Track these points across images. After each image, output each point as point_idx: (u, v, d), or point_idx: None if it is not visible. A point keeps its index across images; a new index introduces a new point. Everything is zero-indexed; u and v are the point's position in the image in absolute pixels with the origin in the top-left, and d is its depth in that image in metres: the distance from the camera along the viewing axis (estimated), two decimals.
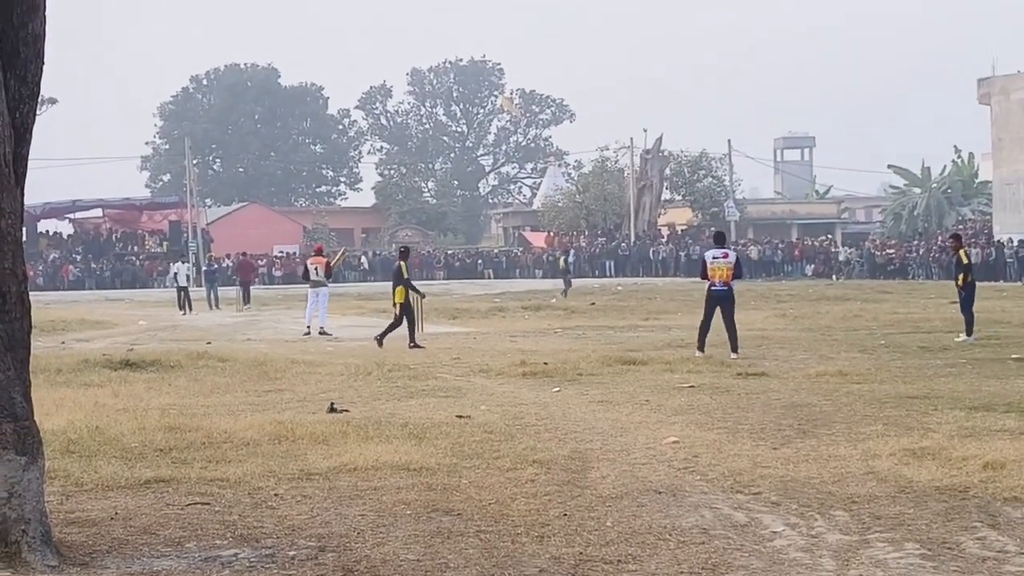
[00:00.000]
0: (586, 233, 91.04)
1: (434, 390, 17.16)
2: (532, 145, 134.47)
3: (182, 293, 45.83)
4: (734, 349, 21.62)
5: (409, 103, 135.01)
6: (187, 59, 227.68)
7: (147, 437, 12.51)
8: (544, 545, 8.25)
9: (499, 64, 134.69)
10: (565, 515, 9.05)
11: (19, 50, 7.73)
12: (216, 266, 52.63)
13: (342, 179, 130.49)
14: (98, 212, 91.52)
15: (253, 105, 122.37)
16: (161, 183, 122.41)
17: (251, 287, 51.21)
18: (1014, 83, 70.46)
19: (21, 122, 7.84)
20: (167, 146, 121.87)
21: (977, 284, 26.38)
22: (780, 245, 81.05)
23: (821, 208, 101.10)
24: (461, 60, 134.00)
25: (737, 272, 22.38)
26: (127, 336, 31.96)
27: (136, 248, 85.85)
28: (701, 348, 21.75)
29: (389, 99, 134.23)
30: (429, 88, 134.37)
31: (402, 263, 27.37)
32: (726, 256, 22.31)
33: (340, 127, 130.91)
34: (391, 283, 27.74)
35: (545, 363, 20.18)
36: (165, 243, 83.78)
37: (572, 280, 55.65)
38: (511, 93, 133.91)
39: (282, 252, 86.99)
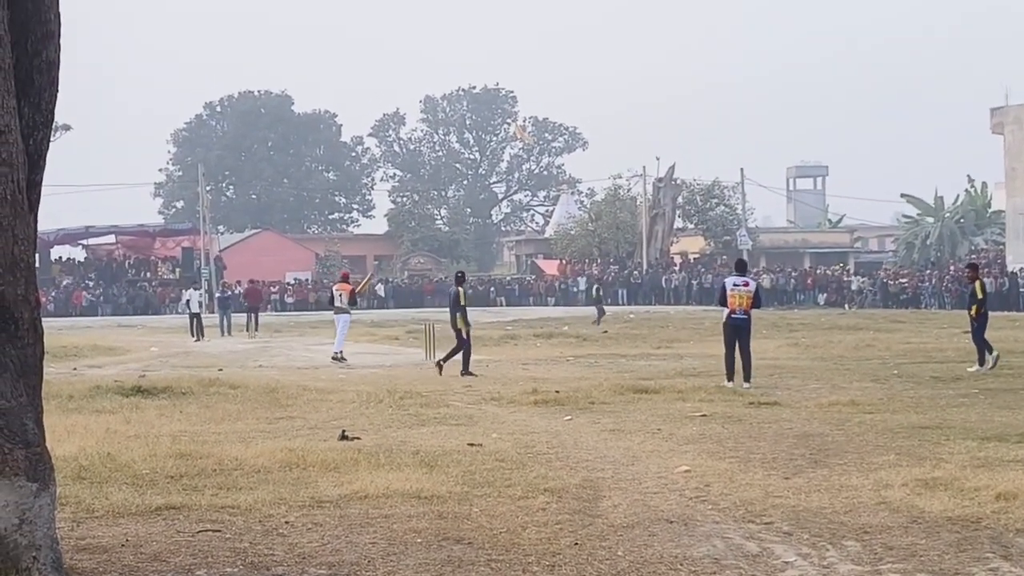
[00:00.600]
0: (599, 261, 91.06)
1: (445, 418, 17.16)
2: (545, 173, 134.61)
3: (195, 320, 45.91)
4: (747, 379, 21.56)
5: (422, 130, 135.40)
6: (201, 86, 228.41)
7: (158, 464, 12.51)
8: (555, 574, 8.24)
9: (512, 92, 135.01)
10: (576, 544, 9.03)
11: (33, 77, 7.75)
12: (230, 293, 52.73)
13: (355, 206, 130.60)
14: (111, 238, 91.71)
15: (266, 132, 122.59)
16: (174, 210, 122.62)
17: (260, 313, 51.46)
18: None
19: (35, 149, 7.85)
20: (180, 173, 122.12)
21: (990, 314, 26.30)
22: (793, 274, 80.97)
23: (834, 237, 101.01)
24: (474, 87, 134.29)
25: (756, 301, 22.23)
26: (139, 363, 32.00)
27: (149, 275, 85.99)
28: (731, 378, 21.63)
29: (402, 126, 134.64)
30: (442, 115, 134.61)
31: (460, 289, 27.21)
32: (747, 284, 22.20)
33: (353, 154, 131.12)
34: (448, 309, 27.33)
35: (557, 391, 20.17)
36: (178, 270, 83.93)
37: (605, 308, 55.90)
38: (524, 121, 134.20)
39: (294, 279, 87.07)
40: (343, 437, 14.65)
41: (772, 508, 10.24)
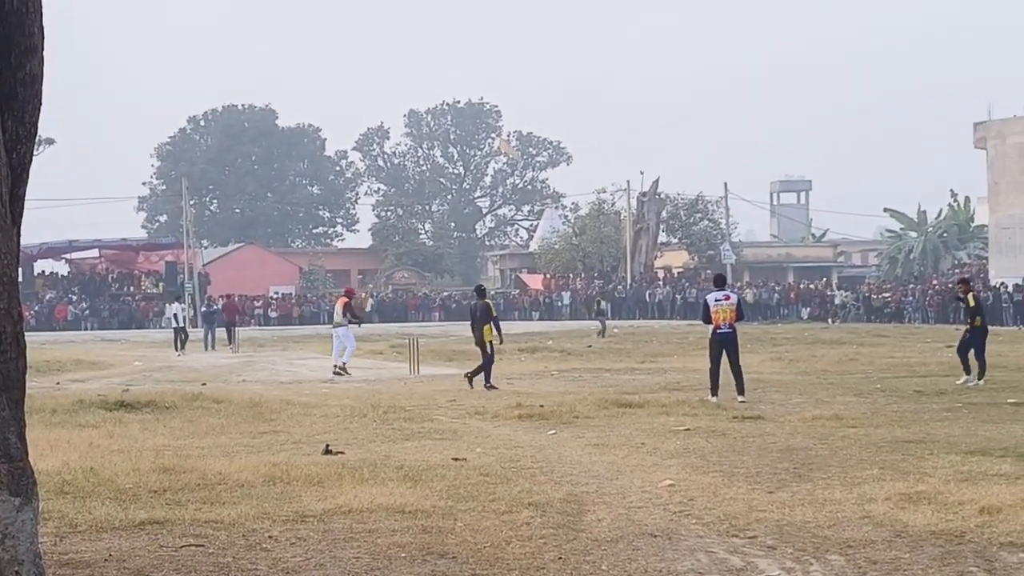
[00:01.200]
0: (583, 275, 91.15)
1: (430, 432, 17.14)
2: (529, 187, 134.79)
3: (179, 334, 45.95)
4: (741, 392, 21.56)
5: (406, 145, 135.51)
6: (185, 100, 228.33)
7: (141, 478, 12.48)
8: None
9: (496, 106, 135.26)
10: (560, 559, 9.02)
11: (16, 91, 7.74)
12: (215, 307, 52.73)
13: (339, 220, 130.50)
14: (94, 252, 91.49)
15: (250, 146, 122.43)
16: (158, 224, 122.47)
17: (238, 328, 51.98)
18: (1010, 127, 70.70)
19: (18, 162, 7.84)
20: (164, 187, 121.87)
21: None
22: (776, 288, 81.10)
23: (817, 251, 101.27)
24: (458, 102, 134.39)
25: (740, 313, 22.26)
26: (122, 377, 31.93)
27: (132, 289, 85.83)
28: (715, 393, 21.60)
29: (386, 140, 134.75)
30: (426, 130, 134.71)
31: (488, 302, 27.21)
32: (728, 298, 22.21)
33: (337, 168, 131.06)
34: (474, 322, 27.00)
35: (541, 406, 20.17)
36: (161, 284, 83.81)
37: (607, 322, 56.14)
38: (508, 135, 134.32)
39: (277, 293, 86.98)
40: (327, 451, 14.64)
41: (756, 522, 10.25)
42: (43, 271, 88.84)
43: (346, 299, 33.29)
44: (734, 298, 22.48)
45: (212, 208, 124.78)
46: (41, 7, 7.79)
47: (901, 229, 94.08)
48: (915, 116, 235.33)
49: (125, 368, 36.23)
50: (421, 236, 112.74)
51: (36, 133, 8.05)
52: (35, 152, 8.16)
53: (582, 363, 35.52)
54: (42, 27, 7.85)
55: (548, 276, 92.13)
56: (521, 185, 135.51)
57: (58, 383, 29.03)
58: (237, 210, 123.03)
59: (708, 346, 22.26)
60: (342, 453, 14.58)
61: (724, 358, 21.77)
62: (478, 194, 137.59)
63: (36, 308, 77.84)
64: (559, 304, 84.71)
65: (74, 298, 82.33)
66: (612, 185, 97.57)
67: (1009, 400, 20.86)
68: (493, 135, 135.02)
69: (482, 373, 25.90)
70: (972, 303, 25.65)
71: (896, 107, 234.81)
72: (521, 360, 37.74)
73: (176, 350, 44.74)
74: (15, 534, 7.49)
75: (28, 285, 77.07)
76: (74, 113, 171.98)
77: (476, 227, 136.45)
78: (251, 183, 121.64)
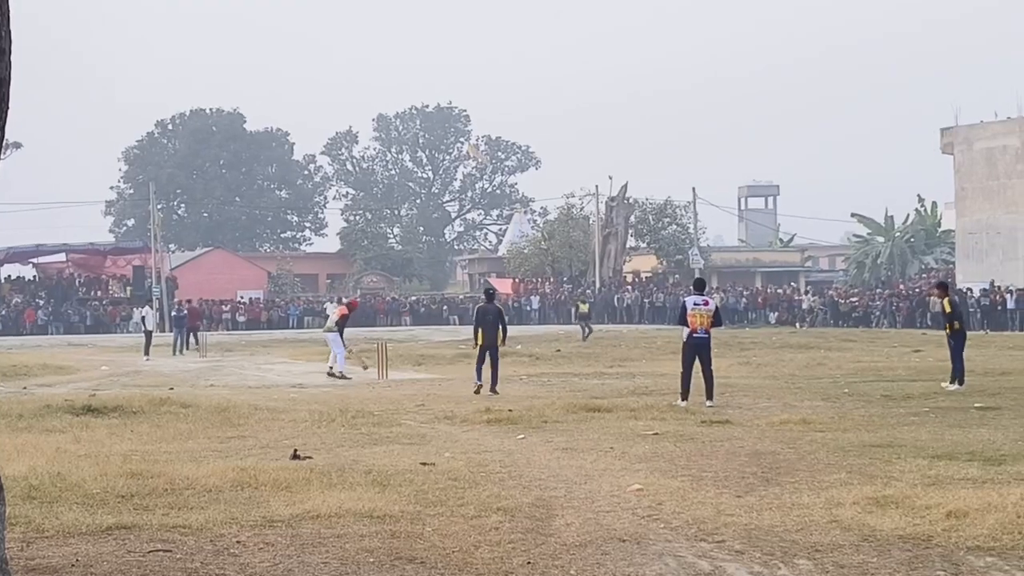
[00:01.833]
0: (552, 280, 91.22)
1: (398, 437, 17.11)
2: (498, 192, 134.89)
3: (149, 338, 45.96)
4: (710, 397, 21.55)
5: (375, 149, 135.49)
6: (153, 104, 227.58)
7: (109, 483, 12.43)
8: None
9: (465, 110, 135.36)
10: (529, 563, 9.02)
11: None
12: (185, 311, 52.65)
13: (307, 224, 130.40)
14: (62, 257, 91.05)
15: (218, 150, 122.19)
16: (125, 228, 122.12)
17: (201, 332, 52.69)
18: (977, 133, 71.04)
19: None
20: (132, 191, 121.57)
21: (942, 332, 26.35)
22: (744, 293, 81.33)
23: (785, 256, 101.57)
24: (427, 106, 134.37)
25: (717, 320, 22.18)
26: (89, 381, 31.81)
27: (99, 293, 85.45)
28: (685, 397, 21.62)
29: (355, 145, 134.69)
30: (395, 134, 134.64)
31: (499, 305, 27.11)
32: (707, 303, 22.12)
33: (306, 172, 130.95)
34: (487, 325, 26.40)
35: (510, 410, 20.17)
36: (129, 288, 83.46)
37: (591, 326, 56.23)
38: (477, 140, 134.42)
39: (246, 297, 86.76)
40: (295, 456, 14.60)
41: (724, 526, 10.26)
42: (9, 275, 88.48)
43: (346, 311, 33.72)
44: (712, 304, 22.34)
45: (180, 212, 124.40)
46: (9, 10, 7.75)
47: (868, 234, 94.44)
48: (882, 121, 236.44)
49: (92, 373, 36.10)
50: (390, 240, 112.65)
51: (3, 137, 8.01)
52: (2, 156, 8.12)
53: (551, 367, 35.53)
54: (10, 31, 7.80)
55: (517, 280, 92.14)
56: (490, 189, 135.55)
57: (25, 388, 28.91)
58: (205, 214, 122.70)
59: (681, 350, 22.22)
60: (310, 458, 14.55)
61: (697, 363, 21.81)
62: (447, 198, 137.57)
63: (3, 312, 77.53)
64: (528, 308, 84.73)
65: (41, 302, 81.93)
66: (581, 190, 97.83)
67: (976, 404, 20.95)
68: (462, 139, 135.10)
69: (496, 378, 25.86)
70: (948, 309, 25.69)
71: (863, 112, 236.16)
72: None
73: (145, 355, 44.62)
74: None
75: None
76: (42, 117, 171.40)
77: (445, 231, 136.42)
78: (219, 187, 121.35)
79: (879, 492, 11.57)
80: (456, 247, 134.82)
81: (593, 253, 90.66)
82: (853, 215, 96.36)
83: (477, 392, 25.35)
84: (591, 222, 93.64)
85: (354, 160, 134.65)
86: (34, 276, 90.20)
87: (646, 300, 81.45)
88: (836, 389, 25.19)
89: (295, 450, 14.99)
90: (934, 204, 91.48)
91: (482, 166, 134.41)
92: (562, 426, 18.31)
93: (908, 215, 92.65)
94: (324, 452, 15.33)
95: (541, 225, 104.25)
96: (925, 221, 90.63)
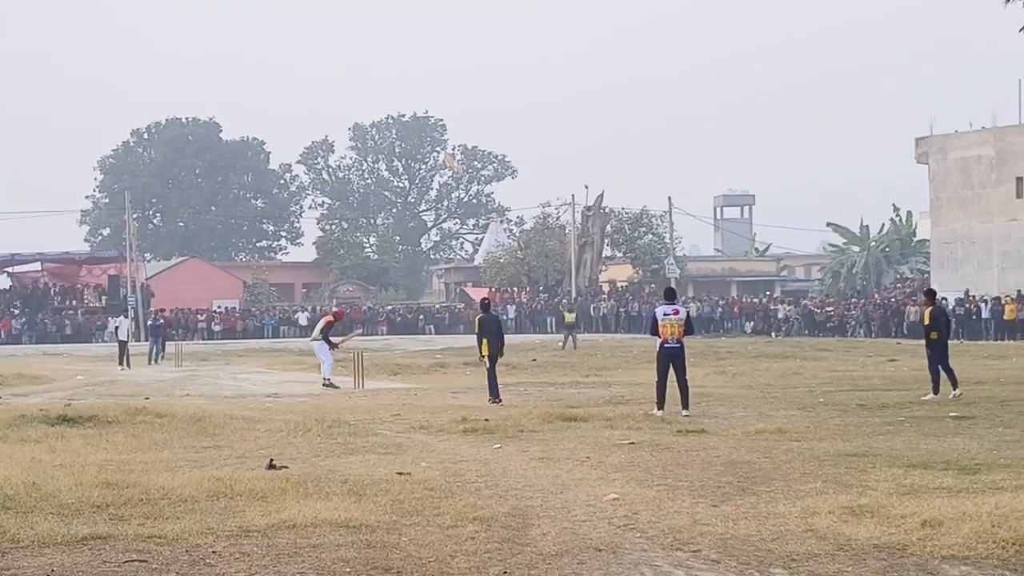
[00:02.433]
0: (528, 289, 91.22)
1: (374, 446, 17.11)
2: (474, 201, 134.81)
3: (124, 348, 45.75)
4: (685, 406, 21.56)
5: (351, 158, 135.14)
6: (128, 113, 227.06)
7: (84, 493, 12.40)
8: None
9: (441, 120, 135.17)
10: (505, 573, 9.03)
11: None
12: (161, 320, 52.54)
13: (283, 234, 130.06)
14: (37, 266, 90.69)
15: (194, 159, 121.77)
16: (100, 237, 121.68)
17: (169, 341, 53.37)
18: (951, 143, 71.22)
19: None
20: (107, 200, 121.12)
21: (917, 342, 26.39)
22: (720, 302, 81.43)
23: (761, 266, 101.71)
24: (403, 115, 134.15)
25: (688, 328, 22.16)
26: (64, 391, 31.70)
27: (75, 302, 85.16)
28: (661, 406, 21.60)
29: (331, 154, 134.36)
30: (371, 143, 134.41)
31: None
32: (677, 312, 22.07)
33: (281, 182, 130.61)
34: (491, 335, 26.28)
35: (486, 420, 20.15)
36: (104, 297, 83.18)
37: (577, 335, 56.22)
38: (453, 149, 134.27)
39: (222, 307, 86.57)
40: (271, 466, 14.58)
41: (700, 536, 10.28)
42: None
43: (331, 319, 34.15)
44: (683, 313, 22.33)
45: (155, 221, 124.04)
46: None
47: (844, 243, 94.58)
48: (857, 131, 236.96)
49: (67, 382, 36.00)
50: (366, 250, 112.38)
51: None
52: None
53: (527, 377, 35.55)
54: None
55: (493, 290, 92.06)
56: (466, 199, 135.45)
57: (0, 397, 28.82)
58: (180, 223, 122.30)
59: (655, 360, 22.23)
60: (286, 468, 14.54)
61: (671, 372, 21.81)
62: (423, 207, 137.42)
63: None
64: (504, 318, 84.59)
65: (16, 312, 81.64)
66: (557, 199, 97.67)
67: (951, 413, 21.01)
68: (438, 148, 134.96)
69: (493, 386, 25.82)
70: (927, 320, 25.67)
71: (839, 122, 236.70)
72: (467, 374, 37.72)
73: (120, 364, 44.45)
74: None
75: None
76: (15, 126, 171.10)
77: (421, 241, 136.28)
78: (194, 196, 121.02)
79: (854, 501, 11.60)
80: (432, 256, 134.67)
81: (569, 262, 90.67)
82: (828, 224, 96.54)
83: (499, 402, 25.16)
84: (567, 231, 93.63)
85: (330, 169, 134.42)
86: (9, 285, 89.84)
87: (622, 309, 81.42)
88: (812, 398, 25.24)
89: (271, 460, 14.97)
90: (909, 214, 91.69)
91: (458, 175, 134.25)
92: (538, 436, 18.33)
93: (883, 224, 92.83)
94: (300, 462, 15.31)
95: (517, 234, 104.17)
96: (900, 231, 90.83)
